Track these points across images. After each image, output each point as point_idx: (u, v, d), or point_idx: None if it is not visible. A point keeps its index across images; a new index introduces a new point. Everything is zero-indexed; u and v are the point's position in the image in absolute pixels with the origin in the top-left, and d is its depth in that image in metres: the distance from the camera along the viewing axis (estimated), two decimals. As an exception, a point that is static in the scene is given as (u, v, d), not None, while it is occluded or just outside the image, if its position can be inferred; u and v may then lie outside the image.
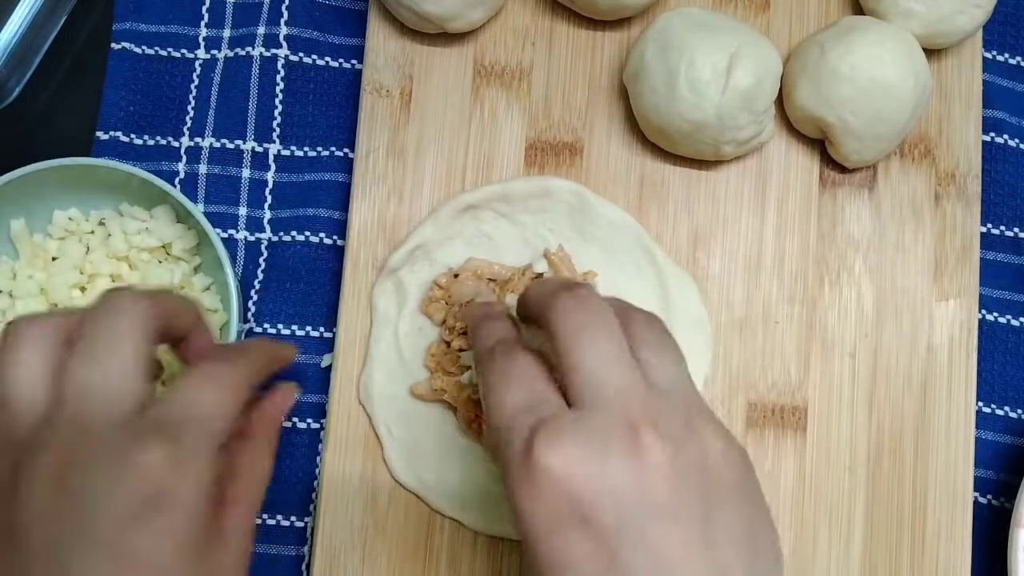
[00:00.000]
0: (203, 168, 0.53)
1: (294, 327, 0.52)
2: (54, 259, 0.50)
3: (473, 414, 0.47)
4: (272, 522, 0.50)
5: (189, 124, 0.54)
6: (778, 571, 0.33)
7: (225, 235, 0.53)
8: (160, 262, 0.51)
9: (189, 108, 0.54)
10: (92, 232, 0.51)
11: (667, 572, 0.30)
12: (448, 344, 0.47)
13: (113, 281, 0.50)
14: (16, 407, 0.32)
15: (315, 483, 0.50)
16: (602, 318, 0.34)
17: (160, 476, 0.31)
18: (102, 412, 0.32)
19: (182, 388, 0.34)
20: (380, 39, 0.51)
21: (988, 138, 0.55)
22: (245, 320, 0.52)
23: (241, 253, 0.53)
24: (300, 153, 0.54)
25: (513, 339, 0.37)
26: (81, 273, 0.50)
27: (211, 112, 0.54)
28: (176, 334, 0.37)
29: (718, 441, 0.33)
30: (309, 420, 0.51)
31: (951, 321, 0.51)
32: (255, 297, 0.52)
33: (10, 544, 0.31)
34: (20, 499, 0.31)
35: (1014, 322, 0.54)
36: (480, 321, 0.39)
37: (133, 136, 0.53)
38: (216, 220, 0.53)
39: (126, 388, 0.32)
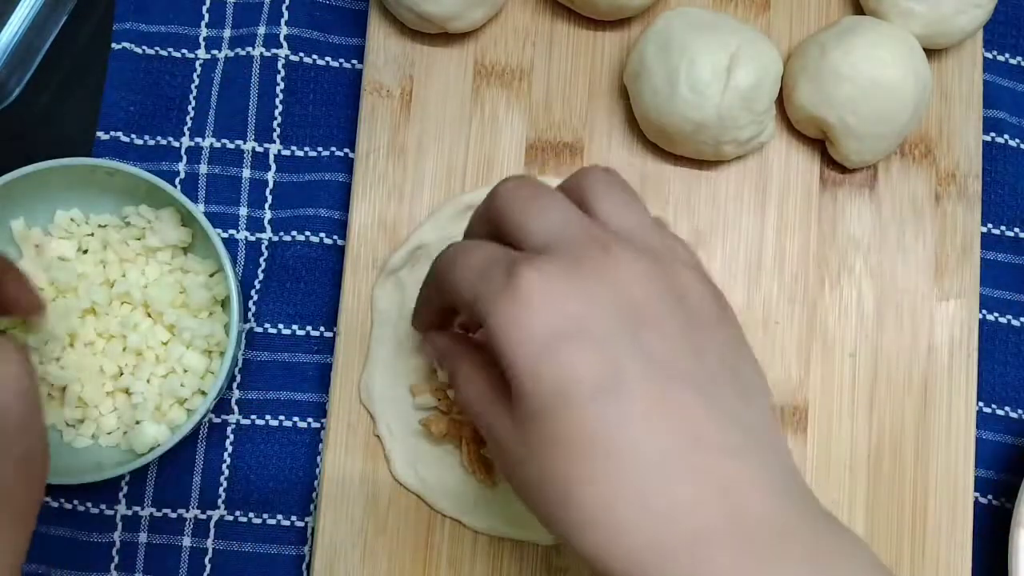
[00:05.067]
0: (203, 168, 0.53)
1: (294, 327, 0.52)
2: (58, 258, 0.50)
3: (476, 450, 0.47)
4: (272, 522, 0.50)
5: (189, 124, 0.54)
6: (766, 407, 0.33)
7: (225, 235, 0.53)
8: (168, 264, 0.51)
9: (189, 108, 0.54)
10: (92, 234, 0.51)
11: (669, 375, 0.31)
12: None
13: (112, 285, 0.50)
14: None
15: (315, 483, 0.50)
16: (542, 189, 0.35)
17: None
18: None
19: None
20: (380, 39, 0.51)
21: (988, 138, 0.55)
22: (245, 320, 0.52)
23: (241, 253, 0.53)
24: (300, 153, 0.54)
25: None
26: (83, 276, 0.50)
27: (211, 112, 0.54)
28: None
29: (696, 283, 0.34)
30: (309, 420, 0.51)
31: (952, 321, 0.51)
32: (255, 297, 0.52)
33: None
34: None
35: (1014, 322, 0.54)
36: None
37: (133, 136, 0.53)
38: (217, 220, 0.53)
39: None
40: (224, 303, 0.50)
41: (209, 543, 0.50)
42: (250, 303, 0.52)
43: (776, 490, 0.31)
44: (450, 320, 0.42)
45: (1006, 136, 0.55)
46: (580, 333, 0.30)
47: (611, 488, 0.30)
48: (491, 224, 0.36)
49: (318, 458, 0.50)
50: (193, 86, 0.54)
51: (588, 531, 0.30)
